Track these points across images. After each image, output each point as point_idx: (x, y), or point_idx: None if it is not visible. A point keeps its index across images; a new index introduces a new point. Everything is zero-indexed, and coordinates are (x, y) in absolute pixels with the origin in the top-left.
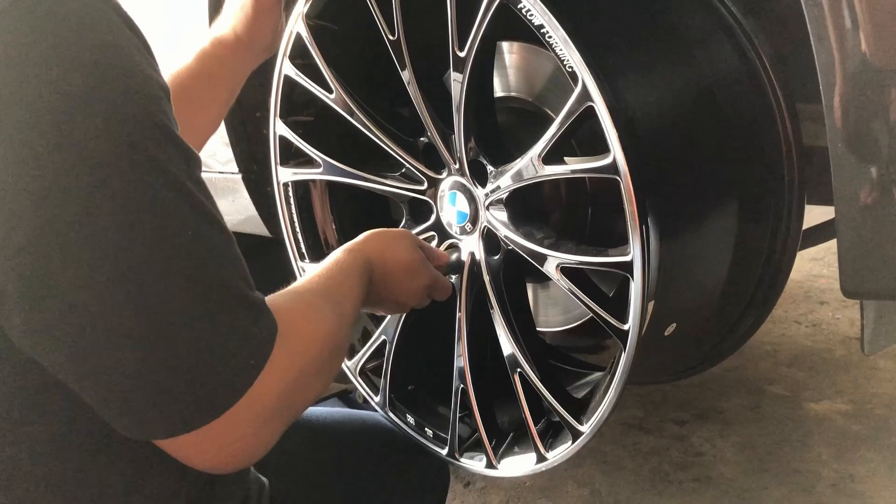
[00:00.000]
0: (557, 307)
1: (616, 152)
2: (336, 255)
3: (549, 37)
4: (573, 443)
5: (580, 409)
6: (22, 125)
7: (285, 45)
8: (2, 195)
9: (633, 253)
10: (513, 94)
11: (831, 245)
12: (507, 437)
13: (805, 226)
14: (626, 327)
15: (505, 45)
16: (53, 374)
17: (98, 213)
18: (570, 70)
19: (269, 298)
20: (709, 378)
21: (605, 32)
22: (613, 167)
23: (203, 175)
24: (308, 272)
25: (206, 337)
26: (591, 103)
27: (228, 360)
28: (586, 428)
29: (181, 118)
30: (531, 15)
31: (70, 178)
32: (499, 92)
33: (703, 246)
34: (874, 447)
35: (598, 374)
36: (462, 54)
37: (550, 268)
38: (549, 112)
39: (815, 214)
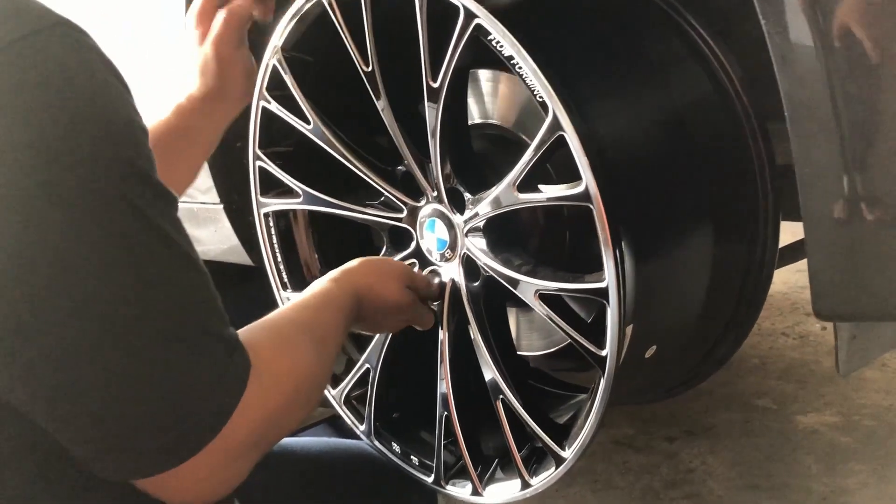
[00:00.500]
0: (540, 331)
1: (588, 180)
2: (323, 283)
3: (519, 67)
4: (556, 469)
5: (563, 434)
6: (3, 168)
7: (262, 77)
8: None
9: (608, 279)
10: (491, 121)
11: None
12: (493, 464)
13: (787, 241)
14: (603, 353)
15: (482, 73)
16: (30, 417)
17: (74, 258)
18: (540, 100)
19: (246, 330)
20: (698, 393)
21: (576, 61)
22: (586, 195)
23: (184, 205)
24: (293, 300)
25: (181, 378)
26: (561, 132)
27: (203, 400)
28: (569, 454)
29: (160, 171)
30: (501, 46)
31: (48, 223)
32: (476, 119)
33: (680, 268)
34: (863, 459)
35: (583, 397)
36: (435, 84)
37: (528, 294)
38: (526, 139)
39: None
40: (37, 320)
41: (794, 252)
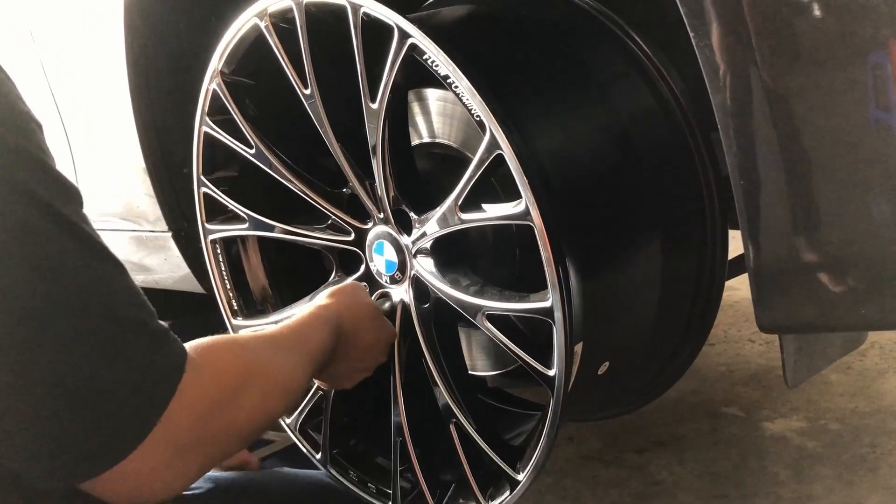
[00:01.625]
0: (494, 351)
1: (527, 198)
2: (308, 309)
3: (456, 86)
4: (511, 492)
5: (517, 455)
6: None
7: (202, 102)
8: None
9: (553, 298)
10: (437, 139)
11: None
12: (450, 489)
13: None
14: (552, 373)
15: (427, 92)
16: None
17: None
18: (477, 119)
19: (208, 339)
20: (666, 403)
21: (514, 78)
22: (526, 213)
23: (133, 233)
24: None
25: (104, 373)
26: (499, 151)
27: (131, 395)
28: (522, 477)
29: None
30: (436, 65)
31: None
32: (424, 138)
33: (629, 282)
34: (830, 464)
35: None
36: (374, 106)
37: (476, 315)
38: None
39: None
40: None
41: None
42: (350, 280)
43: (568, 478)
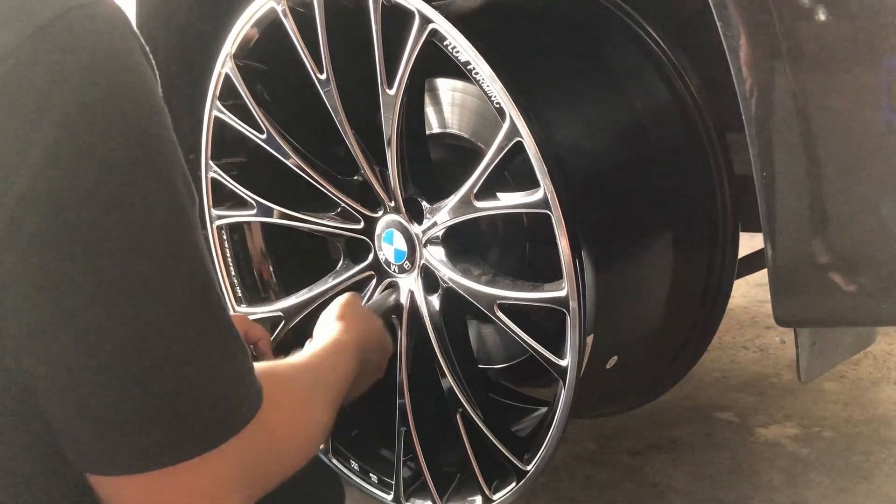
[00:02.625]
0: (501, 343)
1: (546, 187)
2: (332, 335)
3: (476, 73)
4: (517, 483)
5: (524, 447)
6: (52, 135)
7: (214, 85)
8: (19, 184)
9: (567, 288)
10: (449, 130)
11: None
12: (454, 480)
13: (744, 252)
14: (564, 363)
15: (440, 82)
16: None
17: (118, 225)
18: (497, 106)
19: (262, 367)
20: (660, 407)
21: (534, 68)
22: (544, 202)
23: None
24: (306, 350)
25: (206, 372)
26: (519, 139)
27: (219, 401)
28: (530, 467)
29: None
30: (457, 52)
31: (93, 186)
32: (435, 128)
33: (640, 277)
34: (823, 470)
35: (544, 410)
36: (391, 92)
37: (488, 305)
38: (485, 148)
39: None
40: (74, 276)
41: (751, 263)
42: (357, 269)
43: (562, 478)
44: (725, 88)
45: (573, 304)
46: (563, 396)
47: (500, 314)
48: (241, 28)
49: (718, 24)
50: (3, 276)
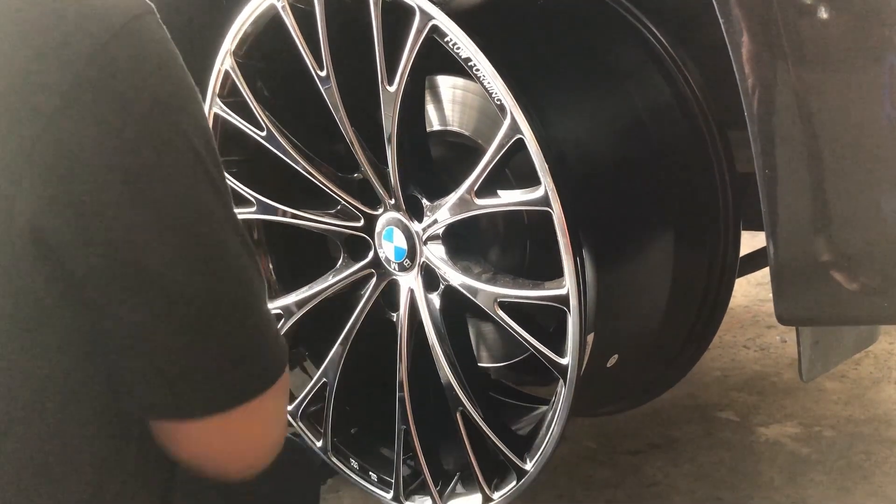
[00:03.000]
0: (501, 341)
1: (547, 184)
2: None
3: (477, 70)
4: (518, 482)
5: (524, 446)
6: (134, 128)
7: (214, 82)
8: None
9: (569, 285)
10: (450, 128)
11: None
12: (453, 479)
13: (745, 251)
14: (565, 361)
15: (440, 79)
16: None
17: (195, 196)
18: (498, 103)
19: None
20: (661, 406)
21: (534, 64)
22: (545, 199)
23: None
24: None
25: (263, 320)
26: (520, 136)
27: (273, 344)
28: (530, 466)
29: None
30: (458, 48)
31: (172, 168)
32: (436, 126)
33: (641, 275)
34: (824, 470)
35: (544, 409)
36: (392, 89)
37: (488, 303)
38: (485, 145)
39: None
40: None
41: (751, 262)
42: (357, 266)
43: (562, 477)
44: (727, 85)
45: (574, 302)
46: (564, 394)
47: (500, 312)
48: (241, 24)
49: (721, 21)
50: (89, 247)
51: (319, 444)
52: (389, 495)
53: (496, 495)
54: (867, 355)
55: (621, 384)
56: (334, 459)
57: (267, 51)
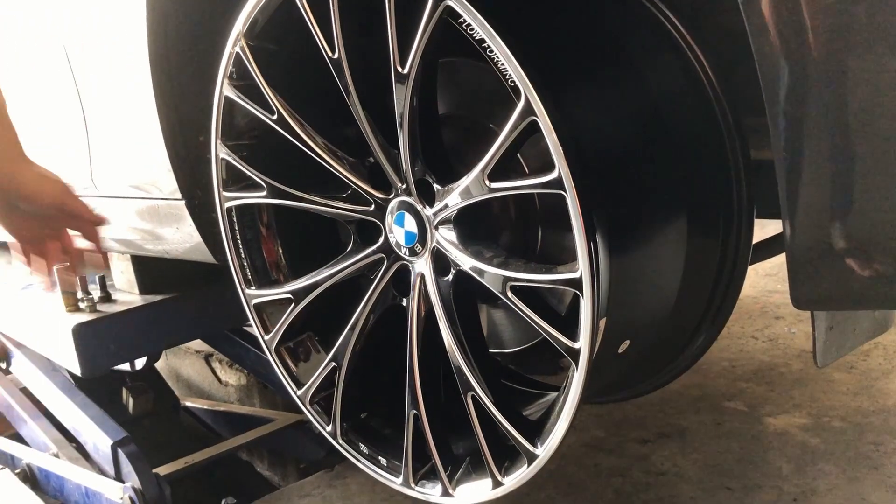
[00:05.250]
0: (510, 328)
1: (561, 167)
2: None
3: (491, 51)
4: (528, 466)
5: (535, 431)
6: None
7: (224, 65)
8: None
9: (582, 269)
10: (461, 111)
11: (784, 261)
12: (463, 464)
13: (756, 239)
14: (577, 345)
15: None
16: None
17: None
18: (512, 85)
19: None
20: (669, 396)
21: (549, 48)
22: (559, 182)
23: (146, 202)
24: None
25: None
26: (534, 118)
27: None
28: (541, 451)
29: None
30: (472, 30)
31: None
32: (446, 109)
33: (654, 261)
34: (833, 460)
35: (554, 395)
36: (404, 70)
37: (500, 287)
38: (496, 129)
39: (769, 229)
40: None
41: (761, 251)
42: (368, 251)
43: (570, 465)
44: (742, 70)
45: (587, 285)
46: (576, 378)
47: (512, 296)
48: (253, 7)
49: (741, 5)
50: None
51: (329, 428)
52: (399, 480)
53: (507, 479)
54: (876, 346)
55: (633, 370)
56: (343, 443)
57: (278, 33)
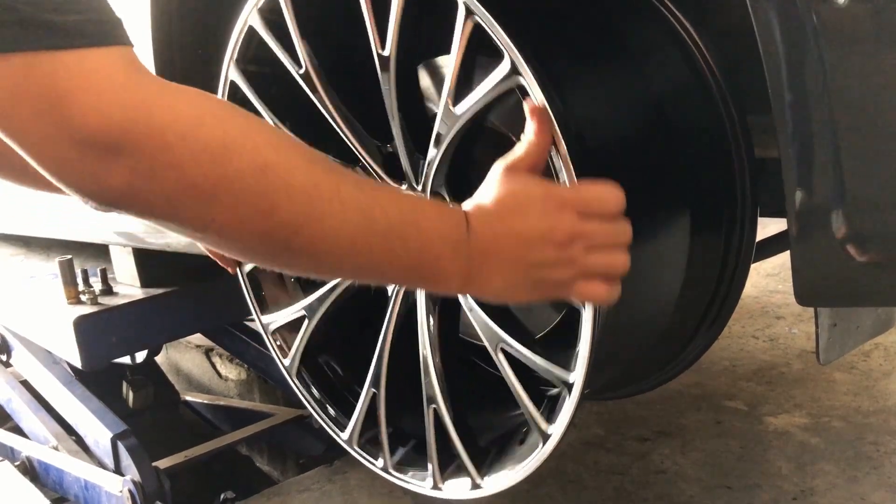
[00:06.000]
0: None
1: (562, 156)
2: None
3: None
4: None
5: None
6: None
7: (233, 47)
8: None
9: None
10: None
11: (786, 261)
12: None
13: (758, 238)
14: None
15: None
16: None
17: None
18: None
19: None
20: (669, 394)
21: (553, 44)
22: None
23: None
24: None
25: None
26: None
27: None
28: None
29: None
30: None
31: None
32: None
33: (655, 259)
34: (832, 460)
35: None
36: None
37: None
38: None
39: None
40: None
41: (764, 250)
42: None
43: (569, 462)
44: (747, 68)
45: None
46: (590, 338)
47: None
48: None
49: (748, 1)
50: None
51: (344, 435)
52: (429, 484)
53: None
54: (877, 347)
55: (633, 367)
56: (357, 449)
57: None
